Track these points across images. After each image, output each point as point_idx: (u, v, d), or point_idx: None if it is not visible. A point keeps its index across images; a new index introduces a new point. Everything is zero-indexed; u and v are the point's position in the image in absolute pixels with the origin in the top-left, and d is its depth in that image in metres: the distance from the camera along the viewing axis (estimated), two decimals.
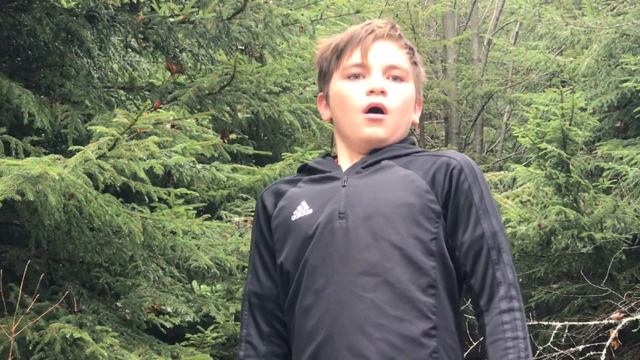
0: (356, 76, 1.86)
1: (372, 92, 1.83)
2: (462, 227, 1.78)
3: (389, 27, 1.89)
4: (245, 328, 1.99)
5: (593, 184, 6.20)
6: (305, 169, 1.98)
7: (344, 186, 1.84)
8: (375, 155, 1.88)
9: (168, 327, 4.22)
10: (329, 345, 1.74)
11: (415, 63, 1.92)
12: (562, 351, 5.38)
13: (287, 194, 1.92)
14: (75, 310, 3.76)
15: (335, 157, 1.98)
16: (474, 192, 1.80)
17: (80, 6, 4.42)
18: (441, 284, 1.77)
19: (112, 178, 3.47)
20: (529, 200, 6.56)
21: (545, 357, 5.41)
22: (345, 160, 1.92)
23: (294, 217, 1.86)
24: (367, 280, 1.74)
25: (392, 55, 1.87)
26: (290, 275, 1.85)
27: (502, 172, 7.66)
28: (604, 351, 4.91)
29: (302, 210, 1.86)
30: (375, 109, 1.84)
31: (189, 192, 4.07)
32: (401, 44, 1.90)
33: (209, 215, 4.24)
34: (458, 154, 1.86)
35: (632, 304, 5.45)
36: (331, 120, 1.98)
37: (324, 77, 1.95)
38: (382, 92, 1.83)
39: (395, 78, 1.87)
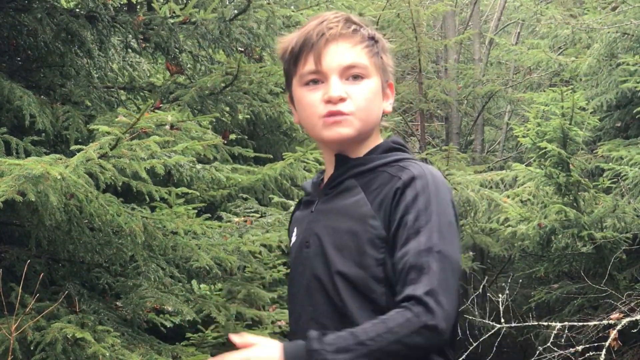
0: (315, 82, 1.80)
1: (329, 101, 1.77)
2: (396, 249, 1.71)
3: (341, 25, 1.79)
4: None
5: (593, 184, 6.20)
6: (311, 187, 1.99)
7: (312, 212, 1.86)
8: (341, 173, 1.83)
9: (168, 326, 4.22)
10: None
11: (377, 53, 1.83)
12: (562, 351, 5.38)
13: (294, 216, 1.98)
14: (77, 310, 3.76)
15: None
16: (409, 211, 1.70)
17: (80, 7, 4.43)
18: (394, 308, 1.69)
19: (113, 178, 3.47)
20: (529, 199, 6.57)
21: (545, 357, 5.41)
22: (328, 168, 1.90)
23: (291, 243, 1.93)
24: (325, 311, 1.76)
25: (348, 55, 1.79)
26: None
27: (503, 171, 7.67)
28: (604, 351, 4.91)
29: (293, 236, 1.92)
30: (335, 114, 1.79)
31: (190, 191, 4.07)
32: (357, 40, 1.80)
33: (209, 215, 4.24)
34: (413, 170, 1.75)
35: (632, 304, 5.45)
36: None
37: (287, 79, 1.90)
38: (341, 100, 1.77)
39: (356, 77, 1.79)
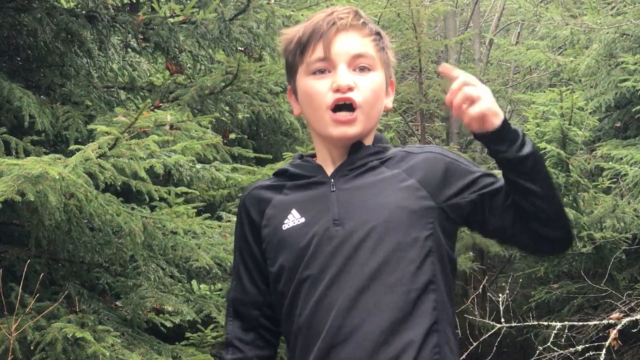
0: (321, 71, 1.81)
1: (338, 90, 1.78)
2: (473, 187, 1.85)
3: (351, 17, 1.83)
4: (230, 333, 1.96)
5: (593, 184, 6.20)
6: (284, 174, 1.91)
7: (333, 191, 1.81)
8: (360, 157, 1.85)
9: (168, 326, 4.22)
10: (336, 352, 1.73)
11: (382, 48, 1.87)
12: (562, 351, 5.38)
13: (274, 201, 1.87)
14: (77, 310, 3.76)
15: (313, 155, 1.94)
16: (465, 167, 1.86)
17: (80, 6, 4.43)
18: (440, 278, 1.78)
19: (112, 177, 3.47)
20: None
21: (545, 357, 5.41)
22: (326, 158, 1.88)
23: (285, 227, 1.83)
24: (369, 285, 1.73)
25: (357, 44, 1.81)
26: (286, 286, 1.82)
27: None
28: (604, 351, 4.91)
29: (293, 219, 1.82)
30: (343, 106, 1.79)
31: (189, 191, 4.07)
32: (365, 32, 1.84)
33: (209, 215, 4.24)
34: (432, 146, 1.91)
35: (632, 304, 5.45)
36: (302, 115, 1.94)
37: (290, 70, 1.90)
38: (350, 89, 1.78)
39: (363, 69, 1.81)
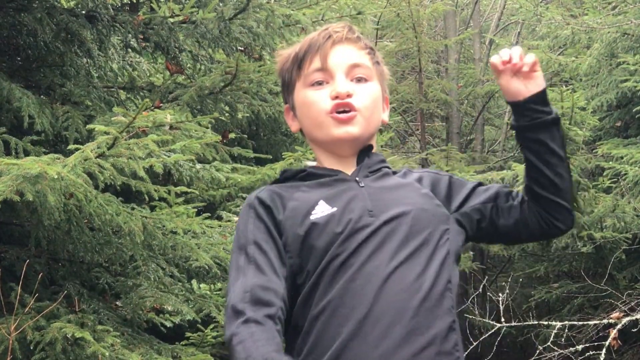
0: (320, 83, 1.88)
1: (337, 97, 1.84)
2: (475, 198, 1.92)
3: (346, 31, 1.91)
4: (250, 318, 1.77)
5: (593, 183, 6.20)
6: (294, 177, 1.95)
7: (362, 186, 1.87)
8: (375, 161, 1.93)
9: (168, 326, 4.23)
10: (360, 337, 1.73)
11: (377, 62, 1.95)
12: (562, 351, 5.39)
13: (295, 196, 1.88)
14: (76, 310, 3.77)
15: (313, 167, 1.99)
16: (461, 180, 1.96)
17: (80, 6, 4.43)
18: (454, 281, 1.84)
19: (111, 177, 3.47)
20: None
21: (545, 356, 5.41)
22: (333, 165, 1.93)
23: (313, 217, 1.82)
24: (400, 275, 1.75)
25: (353, 55, 1.89)
26: (309, 273, 1.79)
27: (503, 171, 7.66)
28: (604, 350, 4.91)
29: (323, 209, 1.83)
30: (343, 111, 1.85)
31: (189, 190, 4.07)
32: (361, 45, 1.92)
33: (208, 215, 4.24)
34: (427, 169, 2.03)
35: (632, 304, 5.45)
36: (301, 131, 1.98)
37: (288, 88, 1.96)
38: (348, 95, 1.85)
39: (360, 79, 1.89)
